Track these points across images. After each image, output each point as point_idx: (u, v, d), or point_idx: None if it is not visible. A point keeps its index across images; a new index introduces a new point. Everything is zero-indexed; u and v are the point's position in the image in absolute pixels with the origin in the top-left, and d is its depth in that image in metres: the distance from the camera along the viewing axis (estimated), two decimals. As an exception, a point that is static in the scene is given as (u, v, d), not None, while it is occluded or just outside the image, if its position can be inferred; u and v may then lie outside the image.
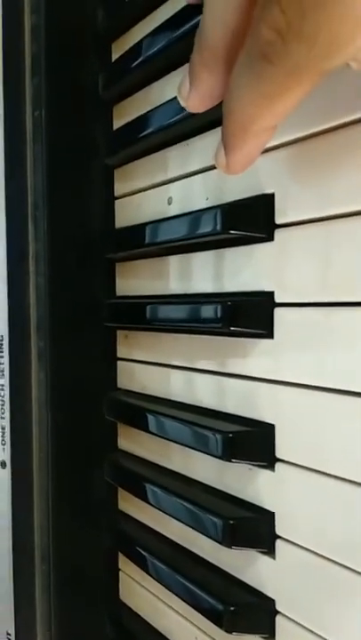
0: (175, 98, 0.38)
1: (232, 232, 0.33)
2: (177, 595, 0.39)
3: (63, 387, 0.48)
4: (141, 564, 0.43)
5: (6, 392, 0.48)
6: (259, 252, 0.33)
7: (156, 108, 0.40)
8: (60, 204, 0.47)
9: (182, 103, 0.25)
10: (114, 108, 0.47)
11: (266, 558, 0.34)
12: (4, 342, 0.48)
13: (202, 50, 0.23)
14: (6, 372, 0.48)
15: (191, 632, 0.41)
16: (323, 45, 0.18)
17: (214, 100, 0.24)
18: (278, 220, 0.32)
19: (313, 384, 0.30)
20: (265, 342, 0.33)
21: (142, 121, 0.41)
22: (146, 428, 0.41)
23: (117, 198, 0.48)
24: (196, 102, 0.25)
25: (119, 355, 0.49)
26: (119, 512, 0.49)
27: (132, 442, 0.48)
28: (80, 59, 0.47)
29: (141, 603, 0.47)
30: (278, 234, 0.32)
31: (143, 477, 0.42)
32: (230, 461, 0.33)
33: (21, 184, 0.46)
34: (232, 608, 0.34)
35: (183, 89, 0.25)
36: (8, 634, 0.49)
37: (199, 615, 0.37)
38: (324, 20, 0.17)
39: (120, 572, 0.50)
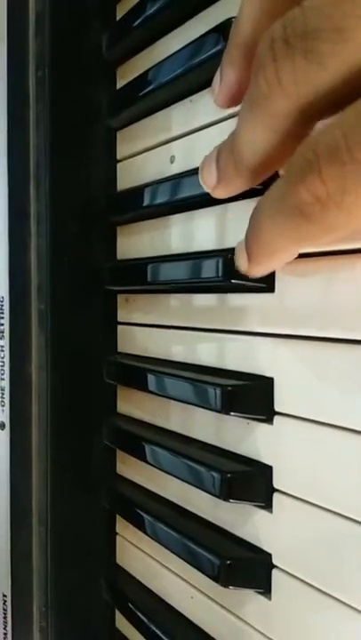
0: (176, 53, 0.38)
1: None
2: (174, 552, 0.39)
3: (63, 349, 0.47)
4: (139, 523, 0.43)
5: (6, 354, 0.48)
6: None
7: (158, 63, 0.39)
8: (63, 164, 0.46)
9: (206, 189, 0.27)
10: (118, 70, 0.47)
11: (263, 512, 0.34)
12: (4, 304, 0.48)
13: (236, 162, 0.24)
14: (6, 334, 0.48)
15: (187, 591, 0.41)
16: None
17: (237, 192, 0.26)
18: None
19: (314, 335, 0.30)
20: (266, 296, 0.33)
21: (144, 78, 0.41)
22: (145, 387, 0.41)
23: (120, 161, 0.48)
24: (220, 193, 0.26)
25: (119, 319, 0.49)
26: (117, 476, 0.49)
27: (132, 405, 0.48)
28: (85, 18, 0.46)
29: (138, 565, 0.47)
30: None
31: (142, 437, 0.42)
32: (229, 414, 0.33)
33: (23, 144, 0.46)
34: (228, 562, 0.34)
35: (209, 178, 0.26)
36: (4, 595, 0.49)
37: (195, 574, 0.37)
38: None
39: (117, 536, 0.50)
